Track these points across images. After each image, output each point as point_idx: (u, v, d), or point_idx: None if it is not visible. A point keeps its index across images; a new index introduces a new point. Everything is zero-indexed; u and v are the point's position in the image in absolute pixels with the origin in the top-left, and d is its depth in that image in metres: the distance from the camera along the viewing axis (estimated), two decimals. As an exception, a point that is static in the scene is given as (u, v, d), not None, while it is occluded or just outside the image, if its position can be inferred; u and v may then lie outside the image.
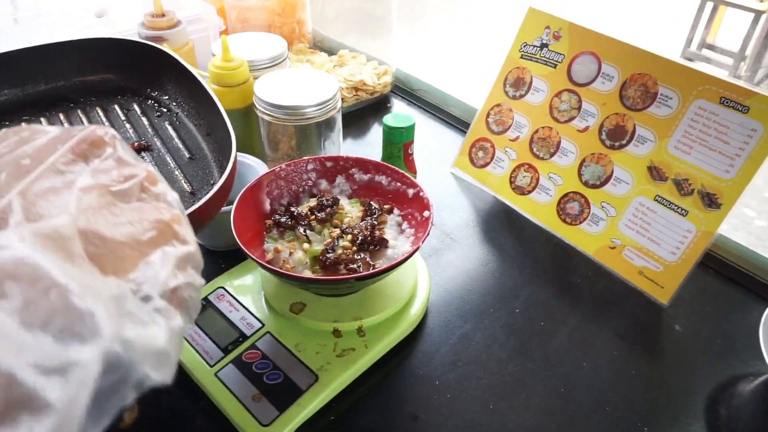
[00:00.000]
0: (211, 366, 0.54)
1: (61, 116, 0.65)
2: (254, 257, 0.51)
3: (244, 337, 0.56)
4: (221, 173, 0.56)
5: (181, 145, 0.63)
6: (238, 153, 0.70)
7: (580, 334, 0.61)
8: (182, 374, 0.55)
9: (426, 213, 0.57)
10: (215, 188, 0.51)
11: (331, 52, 1.08)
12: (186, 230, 0.29)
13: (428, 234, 0.54)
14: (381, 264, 0.55)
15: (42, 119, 0.64)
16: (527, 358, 0.58)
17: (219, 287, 0.61)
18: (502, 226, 0.76)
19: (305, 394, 0.51)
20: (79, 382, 0.21)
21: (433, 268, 0.68)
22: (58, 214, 0.25)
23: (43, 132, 0.30)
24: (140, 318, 0.24)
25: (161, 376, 0.24)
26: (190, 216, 0.47)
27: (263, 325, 0.57)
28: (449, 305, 0.64)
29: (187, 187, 0.59)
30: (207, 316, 0.58)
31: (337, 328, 0.56)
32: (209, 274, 0.65)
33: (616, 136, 0.69)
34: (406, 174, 0.61)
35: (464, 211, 0.78)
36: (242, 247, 0.52)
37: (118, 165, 0.29)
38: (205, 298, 0.60)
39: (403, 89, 1.04)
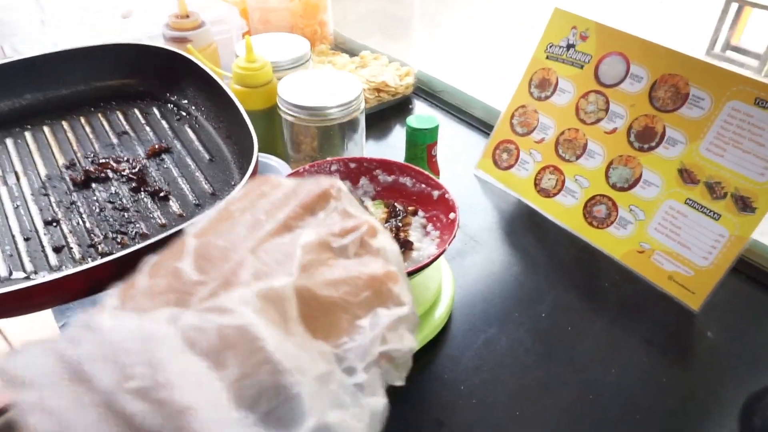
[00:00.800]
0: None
1: (82, 119, 0.66)
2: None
3: (267, 339, 0.56)
4: (242, 175, 0.55)
5: (201, 148, 0.63)
6: (261, 153, 0.70)
7: (608, 340, 0.60)
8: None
9: (452, 215, 0.56)
10: (238, 188, 0.51)
11: (352, 54, 1.08)
12: (402, 288, 0.28)
13: (454, 236, 0.53)
14: (406, 267, 0.54)
15: (63, 122, 0.65)
16: (553, 363, 0.57)
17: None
18: (526, 229, 0.75)
19: (329, 397, 0.51)
20: None
21: (456, 271, 0.67)
22: (281, 272, 0.25)
23: (280, 186, 0.30)
24: (343, 400, 0.23)
25: None
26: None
27: (286, 326, 0.57)
28: (473, 309, 0.63)
29: (208, 187, 0.58)
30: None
31: (360, 331, 0.55)
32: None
33: (645, 137, 0.68)
34: (431, 176, 0.60)
35: (488, 214, 0.77)
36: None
37: (341, 218, 0.28)
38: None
39: (426, 90, 1.03)
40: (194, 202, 0.57)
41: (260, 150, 0.72)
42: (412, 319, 0.27)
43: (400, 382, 0.27)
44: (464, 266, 0.68)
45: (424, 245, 0.57)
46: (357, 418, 0.24)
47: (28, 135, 0.63)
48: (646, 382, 0.56)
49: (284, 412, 0.21)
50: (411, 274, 0.50)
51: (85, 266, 0.42)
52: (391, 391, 0.54)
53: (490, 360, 0.57)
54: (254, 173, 0.55)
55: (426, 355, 0.57)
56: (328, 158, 0.63)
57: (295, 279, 0.24)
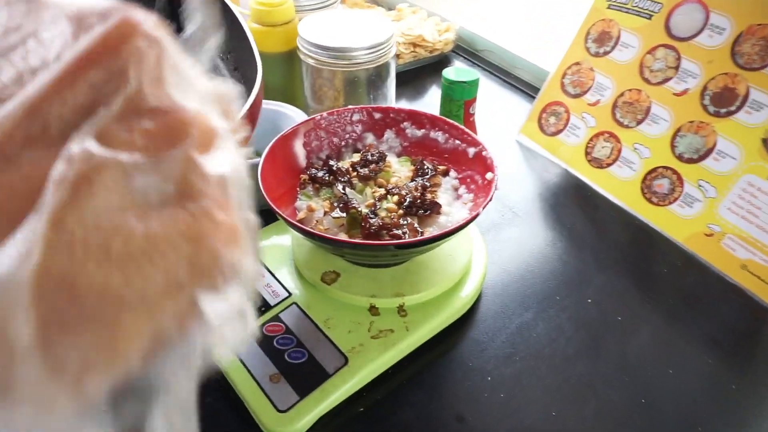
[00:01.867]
0: (228, 337, 0.46)
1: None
2: (283, 214, 0.43)
3: (267, 307, 0.48)
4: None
5: None
6: (277, 102, 0.63)
7: (666, 335, 0.51)
8: (195, 344, 0.48)
9: (489, 175, 0.48)
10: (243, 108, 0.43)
11: (389, 8, 0.99)
12: (244, 252, 0.16)
13: (491, 198, 0.44)
14: (431, 232, 0.46)
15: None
16: (600, 358, 0.49)
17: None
18: (573, 202, 0.65)
19: (331, 378, 0.43)
20: None
21: (491, 245, 0.58)
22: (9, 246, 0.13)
23: (49, 6, 0.16)
24: None
25: None
26: None
27: (290, 294, 0.49)
28: (508, 288, 0.54)
29: None
30: (228, 281, 0.51)
31: (374, 305, 0.48)
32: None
33: (724, 101, 0.57)
34: (467, 130, 0.52)
35: (530, 184, 0.68)
36: (269, 202, 0.44)
37: (148, 115, 0.14)
38: (228, 260, 0.53)
39: (466, 49, 0.94)
40: None
41: (277, 99, 0.64)
42: (251, 297, 0.17)
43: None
44: (500, 240, 0.60)
45: (454, 209, 0.49)
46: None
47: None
48: (710, 389, 0.47)
49: None
50: (436, 240, 0.42)
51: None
52: (406, 376, 0.46)
53: (524, 349, 0.49)
54: (254, 112, 0.47)
55: (449, 339, 0.49)
56: (350, 106, 0.55)
57: (29, 263, 0.12)
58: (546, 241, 0.60)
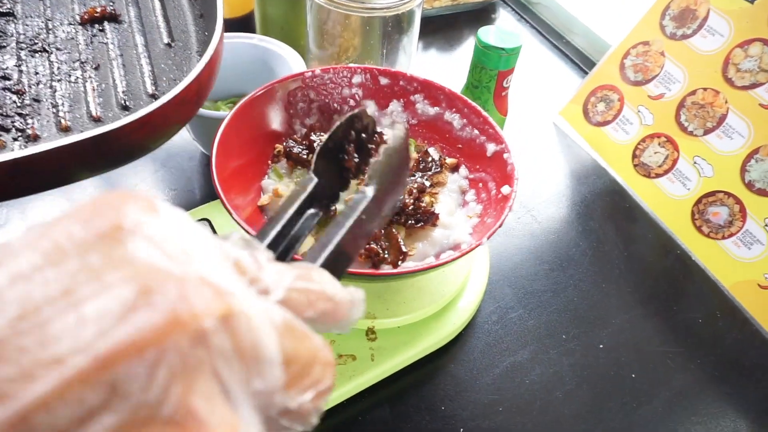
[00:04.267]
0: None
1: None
2: (228, 205, 0.33)
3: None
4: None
5: (162, 24, 0.45)
6: (273, 40, 0.52)
7: (693, 405, 0.42)
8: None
9: (506, 189, 0.37)
10: (177, 89, 0.33)
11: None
12: None
13: (500, 224, 0.34)
14: (420, 251, 0.37)
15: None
16: (603, 422, 0.40)
17: (203, 219, 0.45)
18: (606, 212, 0.55)
19: (270, 408, 0.36)
20: None
21: (495, 256, 0.49)
22: None
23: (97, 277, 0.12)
24: None
25: None
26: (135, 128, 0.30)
27: (242, 289, 0.41)
28: (505, 315, 0.45)
29: (149, 83, 0.41)
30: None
31: (337, 322, 0.39)
32: (201, 196, 0.50)
33: (823, 125, 0.45)
34: (490, 120, 0.41)
35: (558, 181, 0.57)
36: (217, 186, 0.34)
37: None
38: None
39: (516, 0, 0.80)
40: (122, 101, 0.39)
41: (276, 36, 0.53)
42: None
43: None
44: (507, 250, 0.50)
45: (456, 221, 0.39)
46: None
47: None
48: (730, 485, 0.38)
49: None
50: (419, 272, 0.32)
51: None
52: (362, 411, 0.38)
53: (511, 398, 0.40)
54: (209, 68, 0.36)
55: (421, 371, 0.41)
56: (351, 64, 0.44)
57: None
58: (564, 259, 0.50)
